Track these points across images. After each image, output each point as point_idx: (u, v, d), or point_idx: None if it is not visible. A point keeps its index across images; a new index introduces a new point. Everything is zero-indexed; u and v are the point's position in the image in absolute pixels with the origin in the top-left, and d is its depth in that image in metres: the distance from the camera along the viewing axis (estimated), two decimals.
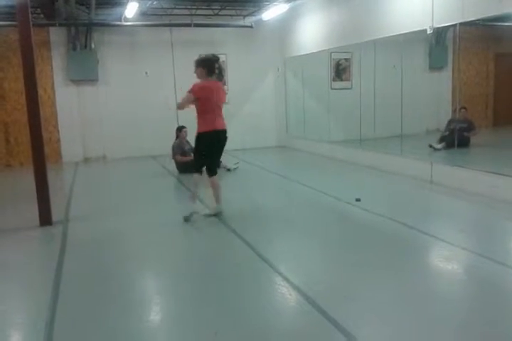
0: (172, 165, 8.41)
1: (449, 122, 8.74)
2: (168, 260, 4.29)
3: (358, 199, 5.86)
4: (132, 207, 6.29)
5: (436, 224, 5.10)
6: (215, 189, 5.42)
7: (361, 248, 4.34)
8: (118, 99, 10.42)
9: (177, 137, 8.40)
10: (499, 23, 9.70)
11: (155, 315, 3.28)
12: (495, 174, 5.97)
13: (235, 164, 8.47)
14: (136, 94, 10.49)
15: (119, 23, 9.79)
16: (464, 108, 8.84)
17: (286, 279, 3.62)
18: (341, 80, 10.70)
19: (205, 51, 10.71)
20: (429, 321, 2.91)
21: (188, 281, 3.75)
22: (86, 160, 10.42)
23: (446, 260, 4.00)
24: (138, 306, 3.33)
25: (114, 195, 7.11)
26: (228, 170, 8.27)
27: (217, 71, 5.28)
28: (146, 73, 10.51)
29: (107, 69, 10.36)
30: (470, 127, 8.73)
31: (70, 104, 10.22)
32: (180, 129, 8.42)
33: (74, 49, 10.00)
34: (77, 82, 10.21)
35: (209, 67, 5.20)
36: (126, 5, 8.45)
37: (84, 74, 10.15)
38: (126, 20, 9.62)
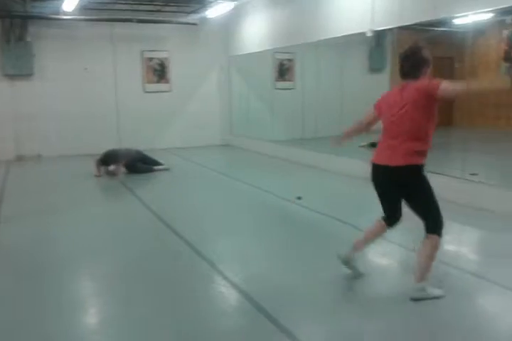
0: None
1: None
2: (104, 260, 4.17)
3: (298, 198, 5.94)
4: (67, 208, 6.06)
5: (370, 220, 5.24)
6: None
7: (300, 245, 4.40)
8: (55, 95, 10.01)
9: None
10: (434, 28, 10.14)
11: (89, 316, 3.18)
12: (427, 172, 6.21)
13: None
14: (75, 90, 10.13)
15: (57, 16, 9.42)
16: None
17: (226, 278, 3.61)
18: (284, 80, 10.82)
19: (147, 47, 10.73)
20: (371, 317, 2.99)
21: (124, 282, 3.66)
22: (19, 158, 9.93)
23: (381, 255, 4.13)
24: (71, 308, 3.21)
25: (48, 196, 6.83)
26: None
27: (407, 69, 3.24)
28: (86, 69, 10.19)
29: (43, 64, 9.92)
30: None
31: (2, 100, 9.71)
32: None
33: (8, 42, 9.53)
34: (11, 76, 9.73)
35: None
36: None
37: (19, 68, 9.69)
38: (65, 13, 9.28)
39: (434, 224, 3.14)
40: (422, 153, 3.14)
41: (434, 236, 3.13)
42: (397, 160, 3.12)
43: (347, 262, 3.48)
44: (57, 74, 10.02)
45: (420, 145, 3.12)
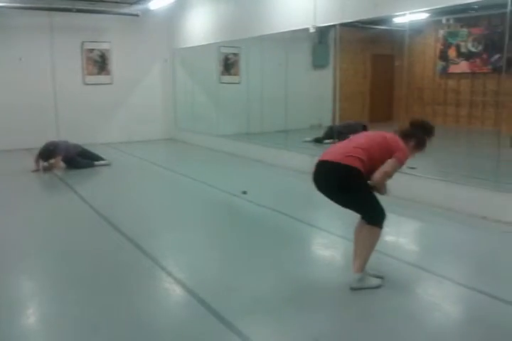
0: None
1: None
2: (40, 259, 4.01)
3: (244, 192, 5.95)
4: (0, 205, 5.79)
5: (315, 213, 5.35)
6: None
7: (245, 239, 4.41)
8: None
9: None
10: (376, 26, 10.40)
11: (29, 317, 3.04)
12: None
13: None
14: (9, 82, 9.62)
15: None
16: None
17: (170, 274, 3.56)
18: (230, 75, 10.77)
19: (88, 38, 10.37)
20: (309, 310, 3.03)
21: (62, 281, 3.53)
22: None
23: (325, 248, 4.21)
24: (7, 309, 3.06)
25: None
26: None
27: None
28: (21, 59, 9.71)
29: None
30: None
31: None
32: None
33: None
34: None
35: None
36: None
37: None
38: None
39: (373, 217, 3.25)
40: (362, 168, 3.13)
41: (375, 227, 3.22)
42: (336, 157, 3.17)
43: (369, 277, 3.32)
44: None
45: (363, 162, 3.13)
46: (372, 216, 3.24)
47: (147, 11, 10.28)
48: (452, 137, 10.97)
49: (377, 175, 3.12)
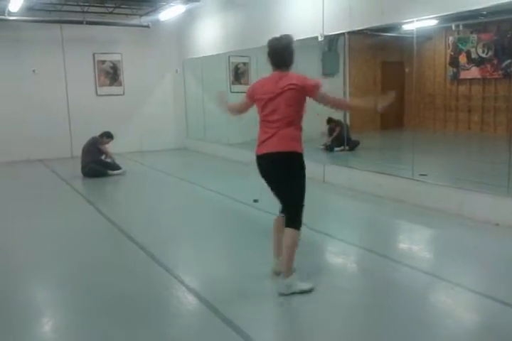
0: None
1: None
2: (56, 268, 4.05)
3: (255, 200, 5.95)
4: (17, 216, 5.86)
5: (326, 221, 5.33)
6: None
7: (257, 248, 4.40)
8: (2, 99, 9.65)
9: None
10: (384, 33, 10.43)
11: (44, 327, 3.07)
12: (379, 173, 6.39)
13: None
14: (23, 94, 9.78)
15: (2, 17, 9.08)
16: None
17: (182, 283, 3.57)
18: (240, 84, 10.83)
19: (99, 50, 10.52)
20: (321, 317, 3.02)
21: (77, 290, 3.57)
22: None
23: (336, 255, 4.20)
24: (25, 319, 3.09)
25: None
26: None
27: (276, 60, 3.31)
28: (34, 71, 9.87)
29: None
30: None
31: None
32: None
33: None
34: None
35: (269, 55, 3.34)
36: None
37: None
38: (11, 14, 8.97)
39: (294, 219, 3.26)
40: (299, 139, 3.25)
41: (292, 230, 3.22)
42: (280, 147, 3.22)
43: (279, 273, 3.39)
44: (2, 77, 9.67)
45: (294, 130, 3.24)
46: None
47: (157, 22, 10.41)
48: (464, 143, 10.91)
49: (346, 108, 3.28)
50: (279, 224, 3.38)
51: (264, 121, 3.34)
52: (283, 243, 3.27)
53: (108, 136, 8.00)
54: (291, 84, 3.16)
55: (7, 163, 9.51)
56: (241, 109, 3.72)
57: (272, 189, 3.42)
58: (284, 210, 3.36)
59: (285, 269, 3.25)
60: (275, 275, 3.43)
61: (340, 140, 8.87)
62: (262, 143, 3.34)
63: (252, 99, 3.43)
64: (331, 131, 9.28)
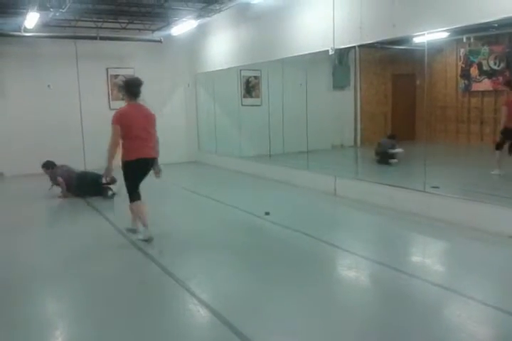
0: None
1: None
2: (68, 281, 4.07)
3: (267, 213, 5.96)
4: (31, 227, 5.92)
5: (338, 234, 5.31)
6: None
7: (269, 260, 4.40)
8: (17, 113, 9.81)
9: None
10: (395, 46, 10.47)
11: (57, 338, 3.08)
12: (391, 186, 6.36)
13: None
14: (38, 108, 9.95)
15: (18, 33, 9.29)
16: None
17: (194, 295, 3.57)
18: (251, 97, 10.92)
19: (112, 65, 10.68)
20: (335, 329, 3.00)
21: (90, 302, 3.58)
22: None
23: (348, 268, 4.17)
24: (43, 332, 3.11)
25: (10, 215, 6.64)
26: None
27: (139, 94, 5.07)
28: (49, 86, 10.04)
29: (5, 82, 9.74)
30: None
31: None
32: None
33: None
34: None
35: (130, 89, 5.01)
36: (25, 15, 8.05)
37: None
38: (27, 30, 9.16)
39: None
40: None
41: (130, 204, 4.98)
42: (153, 154, 5.01)
43: (132, 230, 5.16)
44: (19, 92, 9.86)
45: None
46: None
47: (169, 37, 10.56)
48: (476, 155, 10.82)
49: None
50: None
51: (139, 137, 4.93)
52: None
53: (42, 165, 7.84)
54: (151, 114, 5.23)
55: (24, 175, 9.62)
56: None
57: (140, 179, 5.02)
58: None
59: (135, 222, 5.12)
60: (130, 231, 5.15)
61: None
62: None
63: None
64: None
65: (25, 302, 3.56)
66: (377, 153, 9.56)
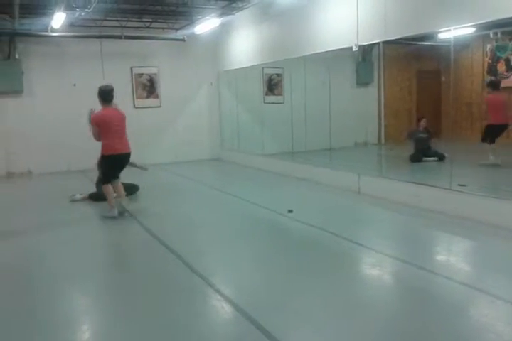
0: None
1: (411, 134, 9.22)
2: (94, 277, 4.15)
3: (290, 211, 5.96)
4: (55, 226, 6.04)
5: (361, 232, 5.28)
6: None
7: (293, 258, 4.41)
8: (44, 112, 10.01)
9: None
10: (419, 42, 10.32)
11: (83, 334, 3.15)
12: (416, 184, 6.29)
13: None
14: (64, 107, 10.12)
15: (45, 33, 9.46)
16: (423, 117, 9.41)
17: (218, 291, 3.60)
18: (274, 95, 10.91)
19: (136, 63, 10.80)
20: (359, 327, 2.99)
21: (116, 298, 3.65)
22: (9, 175, 9.90)
23: (372, 267, 4.15)
24: (64, 325, 3.18)
25: (38, 213, 6.79)
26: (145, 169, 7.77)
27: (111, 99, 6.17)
28: (75, 85, 10.21)
29: (32, 81, 9.95)
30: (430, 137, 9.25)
31: None
32: None
33: None
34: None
35: (102, 96, 6.12)
36: (52, 15, 8.20)
37: (8, 85, 9.68)
38: (53, 30, 9.33)
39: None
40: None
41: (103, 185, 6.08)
42: (129, 149, 6.03)
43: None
44: (46, 91, 10.05)
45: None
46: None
47: (193, 36, 10.62)
48: (503, 153, 10.60)
49: None
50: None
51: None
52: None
53: None
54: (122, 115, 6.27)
55: (49, 173, 9.84)
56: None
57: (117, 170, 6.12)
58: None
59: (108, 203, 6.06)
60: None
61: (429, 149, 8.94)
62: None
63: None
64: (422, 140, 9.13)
65: (53, 301, 3.64)
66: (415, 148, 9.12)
